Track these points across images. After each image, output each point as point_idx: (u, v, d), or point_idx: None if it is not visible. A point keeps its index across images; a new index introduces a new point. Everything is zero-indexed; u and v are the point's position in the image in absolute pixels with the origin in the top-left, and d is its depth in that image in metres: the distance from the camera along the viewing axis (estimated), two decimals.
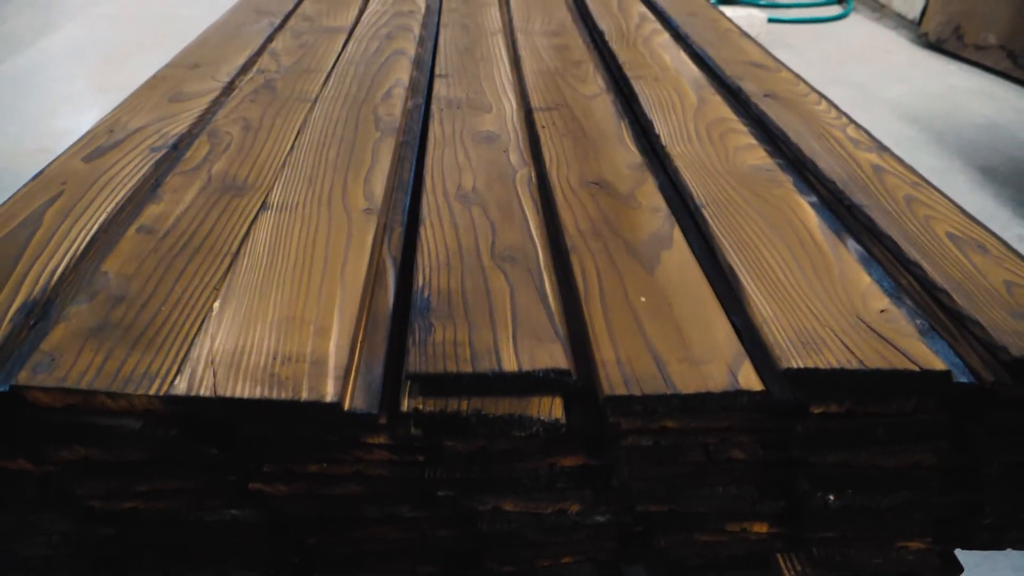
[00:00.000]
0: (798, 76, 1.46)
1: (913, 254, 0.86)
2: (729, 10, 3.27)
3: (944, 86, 2.91)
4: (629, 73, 1.45)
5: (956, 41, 3.23)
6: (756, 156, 1.12)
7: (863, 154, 1.12)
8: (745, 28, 3.20)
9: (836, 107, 1.31)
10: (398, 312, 0.84)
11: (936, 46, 3.31)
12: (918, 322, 0.78)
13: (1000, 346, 0.71)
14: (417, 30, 1.75)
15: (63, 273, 0.85)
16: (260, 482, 0.75)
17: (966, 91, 2.86)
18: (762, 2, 3.96)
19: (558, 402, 0.71)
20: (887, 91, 2.84)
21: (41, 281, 0.83)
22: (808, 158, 1.09)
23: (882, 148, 1.15)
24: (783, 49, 3.30)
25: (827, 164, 1.07)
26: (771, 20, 3.52)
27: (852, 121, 1.25)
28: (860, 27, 3.66)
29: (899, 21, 3.71)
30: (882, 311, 0.77)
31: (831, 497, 0.77)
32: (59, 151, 2.24)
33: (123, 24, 3.54)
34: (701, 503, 0.79)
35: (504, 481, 0.77)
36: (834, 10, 3.92)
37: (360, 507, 0.78)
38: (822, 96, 1.35)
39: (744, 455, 0.75)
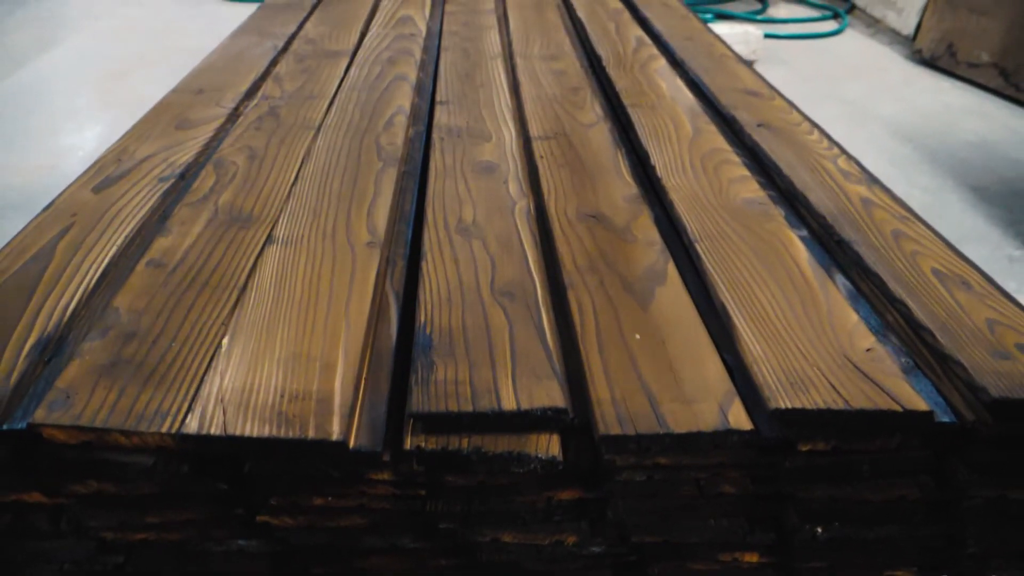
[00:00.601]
0: (791, 104, 1.50)
1: (899, 292, 0.88)
2: (726, 26, 3.31)
3: (938, 104, 2.95)
4: (626, 101, 1.48)
5: (950, 58, 3.27)
6: (749, 188, 1.14)
7: (853, 187, 1.15)
8: (741, 44, 3.25)
9: (828, 137, 1.34)
10: (401, 346, 0.86)
11: (930, 63, 3.35)
12: (903, 360, 0.81)
13: (980, 387, 0.73)
14: (418, 54, 1.78)
15: (76, 308, 0.87)
16: (267, 514, 0.78)
17: (959, 109, 2.90)
18: (758, 17, 3.99)
19: (555, 439, 0.74)
20: (882, 108, 2.88)
21: (55, 317, 0.85)
22: (800, 191, 1.12)
23: (872, 180, 1.18)
24: (779, 65, 3.34)
25: (818, 197, 1.10)
26: (767, 35, 3.56)
27: (843, 152, 1.28)
28: (855, 43, 3.70)
29: (894, 37, 3.75)
30: (868, 350, 0.80)
31: (819, 529, 0.79)
32: (63, 168, 2.28)
33: (125, 37, 3.57)
34: (694, 534, 0.82)
35: (503, 514, 0.79)
36: (829, 25, 3.96)
37: (364, 538, 0.81)
38: (814, 125, 1.38)
39: (735, 489, 0.78)
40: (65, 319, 0.85)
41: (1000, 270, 1.89)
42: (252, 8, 4.03)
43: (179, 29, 3.71)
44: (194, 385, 0.76)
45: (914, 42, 3.49)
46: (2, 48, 3.35)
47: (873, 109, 2.87)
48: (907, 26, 3.72)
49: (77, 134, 2.56)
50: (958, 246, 1.87)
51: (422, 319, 0.86)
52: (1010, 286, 1.81)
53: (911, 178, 2.34)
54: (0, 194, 2.16)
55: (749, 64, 1.72)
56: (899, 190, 2.22)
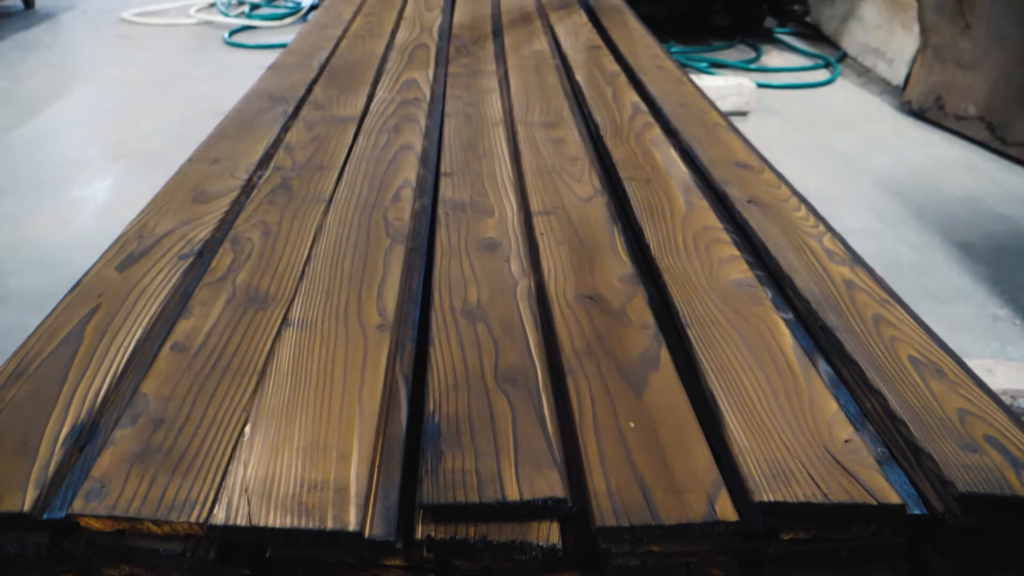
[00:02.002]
0: (780, 177, 1.57)
1: (877, 381, 0.95)
2: (720, 79, 3.40)
3: (926, 157, 3.03)
4: (622, 174, 1.55)
5: (938, 111, 3.36)
6: (739, 269, 1.21)
7: (837, 268, 1.21)
8: (735, 96, 3.34)
9: (814, 213, 1.41)
10: (411, 430, 0.92)
11: (919, 114, 3.44)
12: (879, 450, 0.87)
13: (949, 481, 0.79)
14: (423, 120, 1.85)
15: (106, 394, 0.93)
16: None
17: (947, 162, 2.98)
18: (752, 66, 4.10)
19: (555, 528, 0.80)
20: (871, 161, 2.96)
21: (87, 403, 0.91)
22: (786, 273, 1.19)
23: (855, 260, 1.25)
24: (772, 116, 3.43)
25: (803, 280, 1.16)
26: (760, 85, 3.65)
27: (828, 229, 1.35)
28: (846, 93, 3.80)
29: (884, 86, 3.85)
30: (847, 440, 0.86)
31: None
32: (75, 221, 2.35)
33: (134, 85, 3.66)
34: None
35: None
36: (822, 75, 4.06)
37: None
38: (801, 201, 1.45)
39: (722, 572, 0.83)
40: (96, 405, 0.91)
41: (984, 329, 1.96)
42: (256, 54, 4.15)
43: (187, 76, 3.80)
44: (219, 474, 0.82)
45: (904, 93, 3.59)
46: (16, 96, 3.43)
47: (863, 162, 2.95)
48: (897, 76, 3.82)
49: (88, 186, 2.63)
50: (944, 305, 1.97)
51: (431, 407, 0.91)
52: (993, 346, 1.88)
53: (899, 234, 2.42)
54: (15, 248, 2.23)
55: (741, 135, 1.80)
56: (887, 246, 2.31)
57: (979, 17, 3.15)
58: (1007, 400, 1.49)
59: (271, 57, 3.95)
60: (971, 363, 1.56)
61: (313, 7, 4.92)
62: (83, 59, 4.11)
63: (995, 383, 1.51)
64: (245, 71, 3.83)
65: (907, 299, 1.95)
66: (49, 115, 3.24)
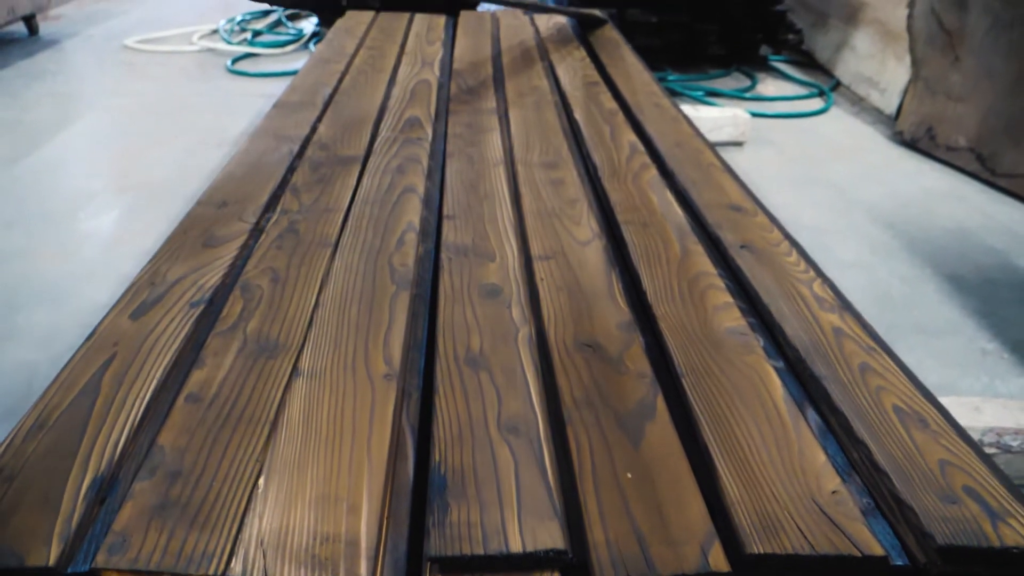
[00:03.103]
0: (772, 220, 1.62)
1: (862, 432, 0.99)
2: (716, 111, 3.46)
3: (918, 188, 3.09)
4: (620, 217, 1.60)
5: (929, 141, 3.42)
6: (732, 317, 1.26)
7: (826, 315, 1.26)
8: (731, 127, 3.40)
9: (805, 258, 1.45)
10: (418, 479, 0.96)
11: (911, 144, 3.50)
12: (865, 501, 0.91)
13: (929, 533, 0.83)
14: (425, 161, 1.90)
15: (124, 446, 0.97)
16: None
17: (938, 194, 3.04)
18: (747, 95, 4.16)
19: None
20: (864, 192, 3.01)
21: (106, 455, 0.95)
22: (777, 321, 1.23)
23: (844, 307, 1.29)
24: (767, 146, 3.49)
25: (793, 329, 1.21)
26: (755, 114, 3.71)
27: (819, 274, 1.40)
28: (840, 122, 3.86)
29: (877, 116, 3.92)
30: (834, 492, 0.90)
31: None
32: (82, 255, 2.39)
33: (138, 115, 3.71)
34: None
35: None
36: (816, 103, 4.13)
37: None
38: (792, 245, 1.50)
39: None
40: (116, 457, 0.95)
41: (974, 363, 2.00)
42: (258, 82, 4.21)
43: (191, 105, 3.86)
44: (235, 527, 0.86)
45: (896, 123, 3.65)
46: (23, 126, 3.48)
47: (856, 193, 3.00)
48: (890, 106, 3.88)
49: (94, 219, 2.68)
50: (935, 339, 2.03)
51: (437, 458, 0.96)
52: (983, 380, 1.93)
53: (891, 267, 2.47)
54: (24, 283, 2.27)
55: (735, 175, 1.84)
56: (879, 280, 2.36)
57: (968, 51, 3.21)
58: (993, 438, 1.53)
59: (273, 85, 4.04)
60: (959, 400, 1.61)
61: (315, 34, 4.99)
62: (87, 87, 4.16)
63: (982, 421, 1.55)
64: (248, 100, 3.90)
65: (899, 333, 2.00)
66: (55, 145, 3.29)
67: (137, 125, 3.59)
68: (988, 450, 1.53)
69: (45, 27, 5.14)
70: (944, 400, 1.61)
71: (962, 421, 1.55)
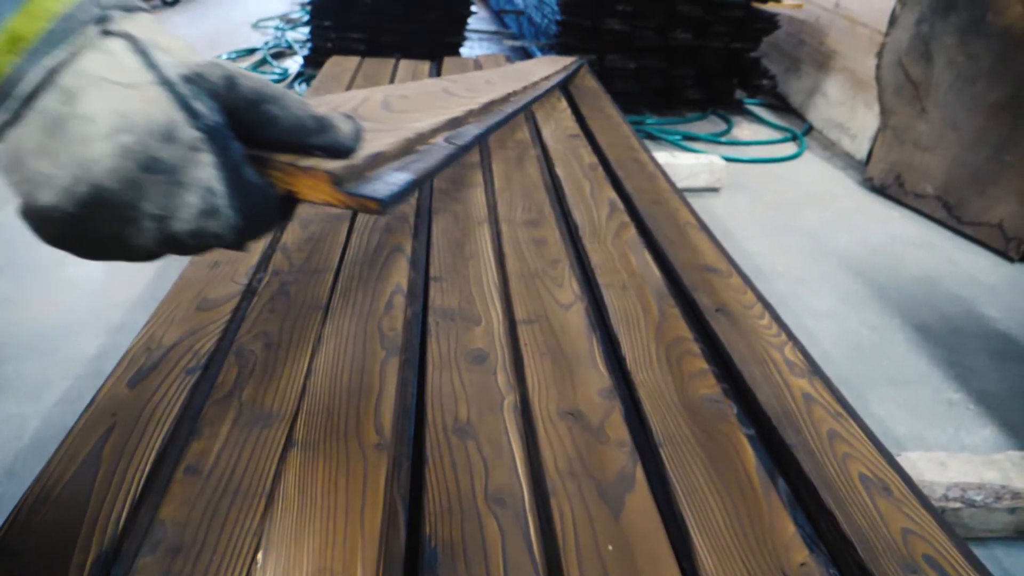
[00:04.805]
0: (746, 281, 1.69)
1: (829, 502, 1.05)
2: (692, 158, 3.56)
3: (887, 235, 3.19)
4: (600, 280, 1.66)
5: (898, 188, 3.54)
6: (707, 384, 1.32)
7: (796, 380, 1.33)
8: (707, 174, 3.50)
9: (777, 321, 1.52)
10: (410, 552, 1.01)
11: (880, 191, 3.62)
12: (831, 572, 0.97)
13: None
14: (412, 218, 1.96)
15: (126, 521, 1.01)
16: None
17: (906, 241, 3.14)
18: (723, 140, 4.28)
19: None
20: (836, 240, 3.11)
21: (109, 531, 0.99)
22: (750, 387, 1.30)
23: (813, 372, 1.36)
24: (741, 192, 3.59)
25: (765, 396, 1.27)
26: (730, 159, 3.82)
27: (790, 337, 1.46)
28: (812, 167, 3.97)
29: (848, 161, 4.04)
30: (802, 564, 0.96)
31: None
32: (70, 304, 2.41)
33: None
34: None
35: None
36: (790, 148, 4.25)
37: None
38: (765, 308, 1.57)
39: None
40: (118, 532, 0.99)
41: (940, 414, 2.08)
42: None
43: None
44: None
45: (866, 169, 3.77)
46: None
47: (829, 241, 3.10)
48: (860, 151, 4.01)
49: (81, 265, 2.70)
50: (903, 390, 2.12)
51: (428, 531, 1.00)
52: (948, 432, 2.00)
53: (861, 316, 2.55)
54: (12, 332, 2.29)
55: (710, 234, 1.92)
56: (850, 330, 2.43)
57: (934, 103, 3.34)
58: (957, 492, 1.60)
59: None
60: (927, 456, 1.67)
61: (300, 74, 5.06)
62: None
63: (947, 476, 1.62)
64: None
65: (869, 384, 2.07)
66: None
67: None
68: (953, 504, 1.60)
69: None
70: (912, 455, 1.69)
71: (928, 476, 1.62)
